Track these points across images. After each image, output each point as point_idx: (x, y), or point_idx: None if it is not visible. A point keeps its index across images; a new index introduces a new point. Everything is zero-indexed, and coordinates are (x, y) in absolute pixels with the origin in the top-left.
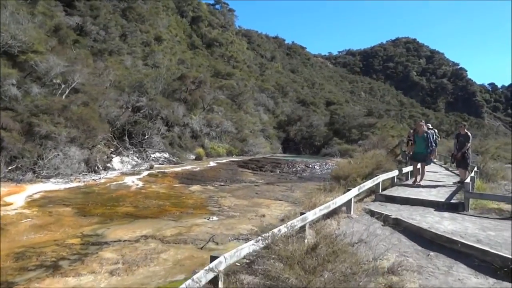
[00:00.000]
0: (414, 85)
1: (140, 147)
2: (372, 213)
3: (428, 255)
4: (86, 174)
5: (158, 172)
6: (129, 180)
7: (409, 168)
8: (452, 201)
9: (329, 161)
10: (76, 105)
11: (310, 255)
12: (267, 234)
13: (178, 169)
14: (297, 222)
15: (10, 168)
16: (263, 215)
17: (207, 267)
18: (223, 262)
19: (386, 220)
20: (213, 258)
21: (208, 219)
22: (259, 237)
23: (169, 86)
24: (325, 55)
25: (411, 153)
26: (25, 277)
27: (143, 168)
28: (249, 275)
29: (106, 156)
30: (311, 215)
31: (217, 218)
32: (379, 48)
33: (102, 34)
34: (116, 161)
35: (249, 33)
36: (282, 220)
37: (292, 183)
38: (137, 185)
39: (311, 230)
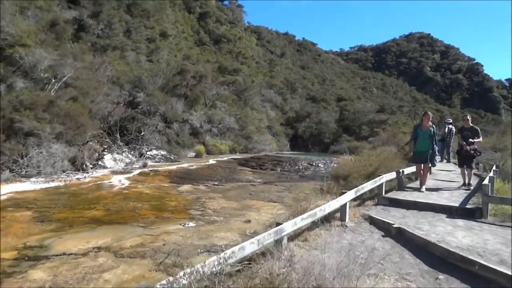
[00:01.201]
0: (428, 80)
1: (136, 144)
2: (371, 220)
3: (437, 279)
4: (70, 173)
5: (150, 170)
6: (115, 180)
7: (412, 169)
8: (468, 206)
9: (335, 158)
10: (63, 100)
11: None
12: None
13: (173, 167)
14: (268, 237)
15: None
16: (249, 221)
17: None
18: None
19: (387, 229)
20: None
21: (184, 225)
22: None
23: (169, 82)
24: (336, 51)
25: (411, 152)
26: None
27: (136, 166)
28: None
29: (97, 154)
30: (290, 226)
31: (194, 224)
32: (391, 43)
33: (105, 30)
34: (108, 158)
35: (258, 30)
36: (269, 227)
37: (292, 183)
38: (123, 184)
39: (295, 243)
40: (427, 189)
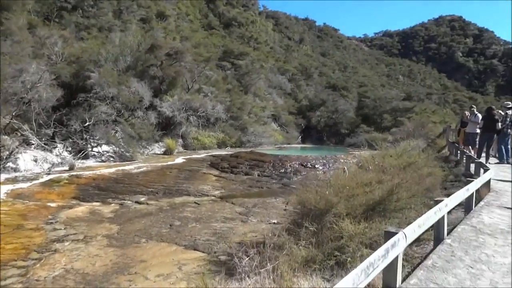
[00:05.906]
0: (459, 67)
1: (80, 138)
2: None
3: None
4: None
5: (71, 175)
6: None
7: None
8: None
9: (342, 156)
10: None
11: None
12: None
13: (110, 170)
14: None
15: None
16: None
17: None
18: None
19: None
20: None
21: None
22: None
23: (138, 60)
24: (360, 37)
25: None
26: None
27: (62, 169)
28: None
29: (7, 152)
30: None
31: None
32: (419, 27)
33: (91, 9)
34: (26, 158)
35: (276, 15)
36: None
37: (262, 199)
38: None
39: None
40: None
